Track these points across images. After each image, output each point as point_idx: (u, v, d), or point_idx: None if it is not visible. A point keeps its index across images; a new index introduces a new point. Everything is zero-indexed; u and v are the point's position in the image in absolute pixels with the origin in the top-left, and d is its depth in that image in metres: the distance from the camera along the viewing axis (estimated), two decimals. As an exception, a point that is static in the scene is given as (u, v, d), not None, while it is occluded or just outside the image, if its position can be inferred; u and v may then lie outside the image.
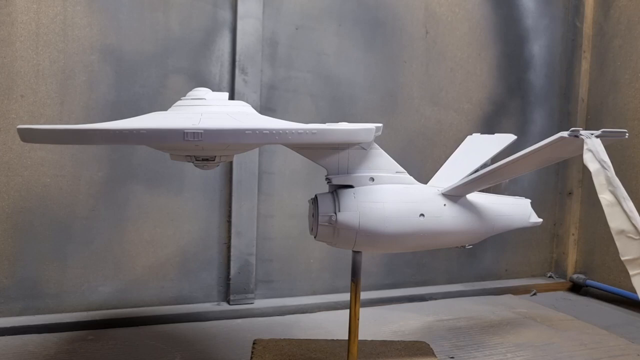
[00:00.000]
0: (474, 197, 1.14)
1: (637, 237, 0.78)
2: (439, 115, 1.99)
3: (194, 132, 0.76)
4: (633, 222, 0.79)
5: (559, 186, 2.22)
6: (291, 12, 1.75)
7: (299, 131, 0.85)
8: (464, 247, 1.18)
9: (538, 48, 2.15)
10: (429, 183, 1.22)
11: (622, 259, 0.79)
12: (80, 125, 0.82)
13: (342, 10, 1.81)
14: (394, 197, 1.05)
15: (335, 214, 1.03)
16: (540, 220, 1.22)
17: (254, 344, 1.35)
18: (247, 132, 0.81)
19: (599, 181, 0.82)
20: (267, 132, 0.82)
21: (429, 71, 1.96)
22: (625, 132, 0.88)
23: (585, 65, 2.15)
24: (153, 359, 1.32)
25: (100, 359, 1.31)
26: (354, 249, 1.11)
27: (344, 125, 0.97)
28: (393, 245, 1.08)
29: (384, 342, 1.39)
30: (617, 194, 0.80)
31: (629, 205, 0.80)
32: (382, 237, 1.04)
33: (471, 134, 1.45)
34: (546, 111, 2.18)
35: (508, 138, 1.33)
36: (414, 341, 1.42)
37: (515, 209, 1.19)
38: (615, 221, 0.80)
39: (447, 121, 2.00)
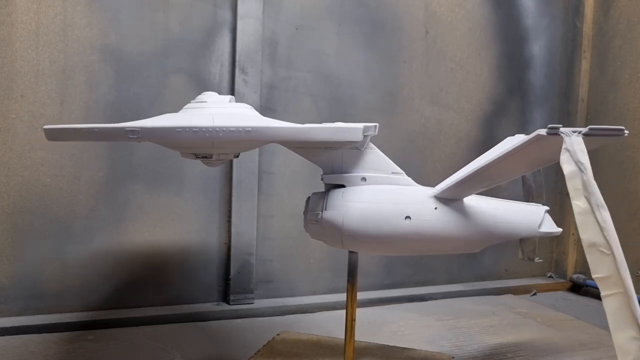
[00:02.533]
0: (478, 201, 1.07)
1: (608, 252, 0.70)
2: (439, 115, 1.99)
3: (132, 130, 0.87)
4: (605, 234, 0.70)
5: (559, 186, 2.22)
6: (291, 12, 1.75)
7: (230, 129, 0.89)
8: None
9: (538, 48, 2.15)
10: (439, 185, 1.16)
11: (593, 276, 0.72)
12: (66, 125, 0.94)
13: (342, 10, 1.81)
14: (378, 197, 1.03)
15: (321, 212, 1.03)
16: (559, 230, 1.10)
17: (277, 335, 1.40)
18: (177, 130, 0.89)
19: (573, 185, 0.73)
20: (197, 129, 0.88)
21: (429, 71, 1.96)
22: (624, 130, 0.78)
23: (585, 65, 2.15)
24: (153, 359, 1.33)
25: (100, 359, 1.31)
26: (344, 248, 1.10)
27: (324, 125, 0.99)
28: (378, 246, 1.05)
29: (402, 349, 1.35)
30: (592, 201, 0.71)
31: (604, 214, 0.71)
32: (364, 237, 1.02)
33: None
34: (546, 111, 2.18)
35: None
36: (435, 352, 1.36)
37: (521, 216, 1.08)
38: (586, 232, 0.71)
39: (447, 121, 2.00)
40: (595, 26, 2.14)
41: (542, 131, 0.78)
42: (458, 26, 2.00)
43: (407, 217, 1.02)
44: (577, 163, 0.73)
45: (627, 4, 2.01)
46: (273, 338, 1.38)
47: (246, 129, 0.90)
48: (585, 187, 0.72)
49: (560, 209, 2.21)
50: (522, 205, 1.13)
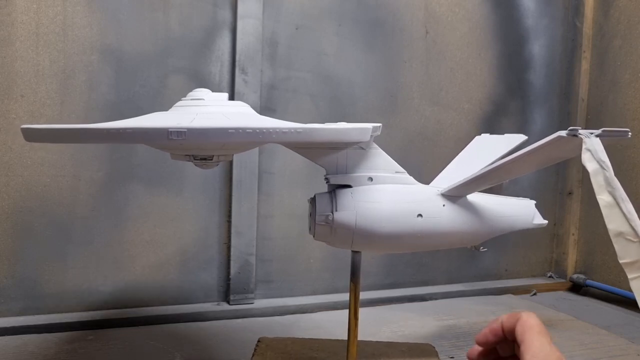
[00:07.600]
0: (476, 197, 1.13)
1: (635, 240, 0.76)
2: (439, 115, 1.99)
3: (178, 131, 0.79)
4: (632, 224, 0.76)
5: (559, 186, 2.22)
6: (291, 12, 1.75)
7: (284, 130, 0.86)
8: (477, 249, 1.17)
9: (538, 48, 2.15)
10: (431, 183, 1.21)
11: (621, 261, 0.77)
12: (74, 125, 0.85)
13: (342, 10, 1.81)
14: (391, 196, 1.04)
15: (332, 213, 1.02)
16: (546, 222, 1.19)
17: (258, 341, 1.34)
18: (230, 130, 0.83)
19: (597, 182, 0.80)
20: (251, 130, 0.84)
21: (429, 71, 1.96)
22: (628, 132, 0.84)
23: (585, 65, 2.15)
24: (153, 359, 1.33)
25: (100, 359, 1.31)
26: (352, 249, 1.11)
27: (340, 125, 0.97)
28: (390, 245, 1.07)
29: (388, 344, 1.37)
30: (616, 195, 0.78)
31: (628, 206, 0.77)
32: (378, 237, 1.03)
33: (480, 134, 1.43)
34: (546, 111, 2.18)
35: (518, 138, 1.29)
36: (418, 343, 1.40)
37: (518, 210, 1.16)
38: (613, 223, 0.78)
39: (447, 121, 2.00)
40: (595, 26, 2.14)
41: (563, 133, 0.83)
42: (458, 26, 2.00)
43: (419, 215, 1.04)
44: (599, 162, 0.79)
45: (627, 4, 2.01)
46: (257, 346, 1.30)
47: (297, 130, 0.87)
48: (608, 183, 0.78)
49: (561, 209, 2.21)
50: (514, 199, 1.19)
